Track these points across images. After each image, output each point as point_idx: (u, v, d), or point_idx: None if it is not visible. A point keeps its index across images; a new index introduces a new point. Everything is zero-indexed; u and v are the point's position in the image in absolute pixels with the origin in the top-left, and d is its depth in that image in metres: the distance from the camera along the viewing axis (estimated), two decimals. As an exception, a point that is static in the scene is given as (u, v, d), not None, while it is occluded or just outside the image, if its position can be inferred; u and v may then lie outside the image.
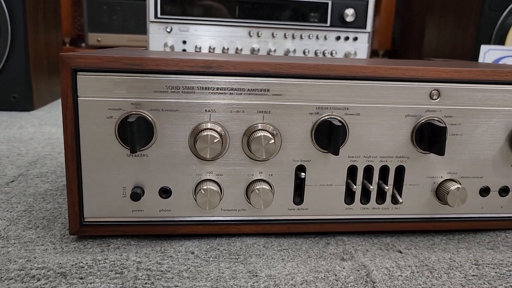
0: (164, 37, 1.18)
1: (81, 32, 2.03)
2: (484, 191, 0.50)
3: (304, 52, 1.24)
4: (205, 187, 0.44)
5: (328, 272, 0.42)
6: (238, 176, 0.46)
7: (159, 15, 1.16)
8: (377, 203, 0.49)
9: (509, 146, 0.49)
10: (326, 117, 0.45)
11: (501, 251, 0.48)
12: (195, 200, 0.45)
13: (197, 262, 0.43)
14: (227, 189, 0.46)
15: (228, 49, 1.20)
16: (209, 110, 0.44)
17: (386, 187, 0.48)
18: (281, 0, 1.20)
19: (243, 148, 0.45)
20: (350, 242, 0.49)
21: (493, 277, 0.42)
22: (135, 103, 0.43)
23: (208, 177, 0.46)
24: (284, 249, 0.46)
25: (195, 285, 0.39)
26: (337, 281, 0.41)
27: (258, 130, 0.44)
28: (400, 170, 0.48)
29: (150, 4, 1.15)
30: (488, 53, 1.15)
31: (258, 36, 1.22)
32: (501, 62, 1.13)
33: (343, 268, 0.43)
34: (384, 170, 0.48)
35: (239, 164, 0.46)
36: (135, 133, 0.41)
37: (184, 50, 1.19)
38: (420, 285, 0.41)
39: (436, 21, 1.56)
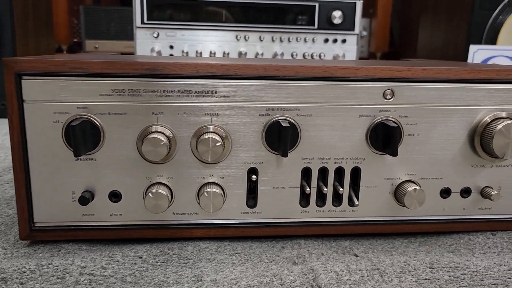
0: (151, 42, 1.19)
1: (78, 39, 2.04)
2: (445, 193, 0.49)
3: (292, 55, 1.23)
4: (153, 191, 0.44)
5: (274, 276, 0.41)
6: (189, 179, 0.45)
7: (145, 21, 1.17)
8: (333, 205, 0.48)
9: (470, 145, 0.48)
10: (276, 119, 0.44)
11: (461, 254, 0.47)
12: (144, 204, 0.44)
13: (143, 267, 0.42)
14: (178, 192, 0.46)
15: (215, 53, 1.20)
16: (156, 113, 0.44)
17: (341, 189, 0.47)
18: (268, 4, 1.20)
19: (192, 151, 0.45)
20: (307, 245, 0.48)
21: (446, 281, 0.41)
22: (81, 106, 0.43)
23: (158, 181, 0.45)
24: (236, 253, 0.46)
25: (136, 290, 0.39)
26: (282, 285, 0.40)
27: (206, 132, 0.44)
28: (356, 172, 0.47)
29: (136, 9, 1.16)
30: (477, 53, 1.13)
31: (246, 40, 1.21)
32: (490, 61, 1.11)
33: (291, 272, 0.42)
34: (340, 171, 0.47)
35: (190, 167, 0.45)
36: (78, 137, 0.41)
37: (171, 55, 1.19)
38: (369, 289, 0.40)
39: (429, 21, 1.54)
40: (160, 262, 0.43)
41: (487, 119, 0.47)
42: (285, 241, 0.49)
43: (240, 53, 1.21)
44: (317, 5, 1.21)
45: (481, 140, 0.47)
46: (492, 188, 0.49)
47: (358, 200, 0.48)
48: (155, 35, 1.18)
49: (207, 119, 0.44)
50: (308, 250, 0.47)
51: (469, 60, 1.14)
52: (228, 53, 1.20)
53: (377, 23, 2.04)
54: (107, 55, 0.64)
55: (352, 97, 0.45)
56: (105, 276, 0.40)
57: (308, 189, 0.46)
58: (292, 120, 0.45)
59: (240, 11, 1.20)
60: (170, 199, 0.45)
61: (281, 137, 0.43)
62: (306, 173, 0.47)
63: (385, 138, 0.45)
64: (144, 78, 0.43)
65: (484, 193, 0.49)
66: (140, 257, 0.44)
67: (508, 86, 0.47)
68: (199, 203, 0.45)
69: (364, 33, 2.03)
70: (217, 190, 0.44)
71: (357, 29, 1.23)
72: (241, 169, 0.46)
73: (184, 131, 0.44)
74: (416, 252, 0.47)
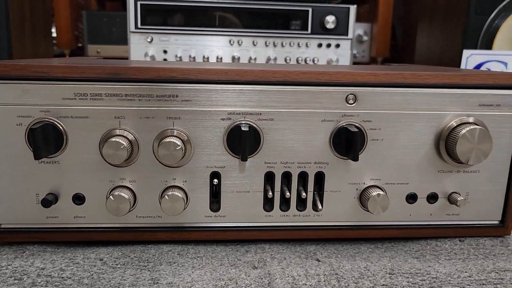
0: (145, 47, 1.20)
1: (81, 44, 2.07)
2: (411, 198, 0.49)
3: (285, 60, 1.23)
4: (115, 194, 0.44)
5: (230, 280, 0.41)
6: (152, 183, 0.46)
7: (139, 26, 1.18)
8: (297, 210, 0.48)
9: (436, 151, 0.48)
10: (237, 123, 0.45)
11: (426, 260, 0.46)
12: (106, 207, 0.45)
13: (102, 269, 0.43)
14: (142, 195, 0.46)
15: (208, 57, 1.20)
16: (118, 117, 0.44)
17: (304, 194, 0.47)
18: (261, 9, 1.20)
19: (155, 155, 0.45)
20: (271, 250, 0.48)
21: (403, 287, 0.41)
22: (44, 110, 0.43)
23: (121, 184, 0.46)
24: (198, 257, 0.46)
25: (91, 291, 0.39)
26: (236, 289, 0.40)
27: (167, 136, 0.44)
28: (320, 176, 0.47)
29: (130, 15, 1.17)
30: (471, 58, 1.12)
31: (239, 45, 1.22)
32: (484, 66, 1.10)
33: (249, 276, 0.42)
34: (304, 176, 0.47)
35: (153, 171, 0.45)
36: (38, 139, 0.42)
37: (165, 60, 1.20)
38: (323, 294, 0.40)
39: (427, 26, 1.53)
40: (120, 265, 0.44)
41: (453, 124, 0.47)
42: (250, 245, 0.49)
43: (233, 58, 1.21)
44: (310, 10, 1.21)
45: (446, 145, 0.47)
46: (459, 194, 0.49)
47: (322, 205, 0.48)
48: (149, 40, 1.19)
49: (169, 123, 0.45)
50: (271, 255, 0.47)
51: (462, 65, 1.13)
52: (221, 58, 1.21)
53: (378, 28, 2.03)
54: (79, 59, 0.65)
55: (314, 101, 0.45)
56: (63, 278, 0.41)
57: (270, 193, 0.46)
58: (253, 124, 0.45)
59: (234, 16, 1.21)
60: (132, 202, 0.45)
61: (241, 141, 0.44)
62: (270, 178, 0.47)
63: (347, 143, 0.45)
64: (105, 82, 0.43)
65: (451, 199, 0.49)
66: (101, 260, 0.44)
67: (473, 91, 0.46)
68: (160, 206, 0.45)
69: (365, 38, 2.02)
70: (178, 193, 0.45)
71: (350, 34, 1.23)
72: (204, 172, 0.46)
73: (146, 135, 0.45)
74: (380, 258, 0.47)
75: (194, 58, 1.20)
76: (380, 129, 0.46)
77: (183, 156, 0.44)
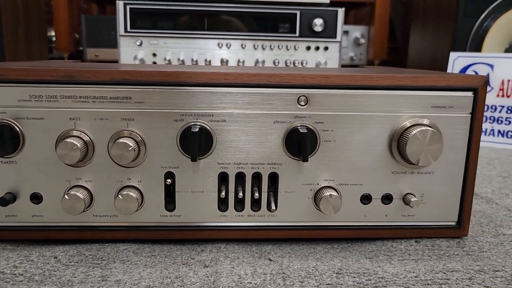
0: (135, 50, 1.21)
1: (80, 48, 2.10)
2: (365, 199, 0.49)
3: (274, 63, 1.24)
4: (71, 193, 0.45)
5: (177, 278, 0.42)
6: (108, 182, 0.47)
7: (129, 29, 1.20)
8: (252, 210, 0.49)
9: (389, 152, 0.48)
10: (189, 124, 0.46)
11: (379, 260, 0.47)
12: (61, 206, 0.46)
13: (55, 267, 0.44)
14: (98, 195, 0.47)
15: (197, 61, 1.22)
16: (73, 118, 0.45)
17: (256, 194, 0.47)
18: (249, 12, 1.21)
19: (110, 155, 0.46)
20: (226, 249, 0.49)
21: (348, 286, 0.41)
22: (0, 111, 0.45)
23: (77, 183, 0.47)
24: (153, 256, 0.47)
25: (40, 288, 0.40)
26: (181, 287, 0.41)
27: (121, 137, 0.45)
28: (274, 177, 0.48)
29: (120, 18, 1.19)
30: (457, 60, 1.12)
31: (228, 48, 1.23)
32: (470, 69, 1.10)
33: (196, 274, 0.43)
34: (258, 177, 0.48)
35: (108, 171, 0.46)
36: (-7, 140, 0.43)
37: (154, 63, 1.22)
38: (266, 292, 0.40)
39: (419, 29, 1.53)
40: (74, 263, 0.45)
41: (405, 125, 0.47)
42: (206, 244, 0.50)
43: (221, 61, 1.22)
44: (298, 13, 1.21)
45: (398, 146, 0.47)
46: (413, 195, 0.49)
47: (276, 205, 0.48)
48: (138, 43, 1.20)
49: (123, 124, 0.46)
50: (225, 254, 0.47)
51: (449, 68, 1.13)
52: (210, 61, 1.22)
53: (375, 31, 2.03)
54: (50, 62, 0.66)
55: (266, 103, 0.46)
56: (14, 274, 0.42)
57: (223, 193, 0.47)
58: (205, 126, 0.46)
59: (222, 20, 1.22)
60: (88, 201, 0.46)
61: (190, 142, 0.44)
62: (224, 178, 0.48)
63: (298, 144, 0.46)
64: (60, 85, 0.44)
65: (405, 200, 0.49)
66: (55, 257, 0.45)
67: (425, 93, 0.47)
68: (115, 206, 0.46)
69: (362, 40, 2.02)
70: (132, 193, 0.46)
71: (339, 37, 1.23)
72: (158, 173, 0.47)
73: (101, 136, 0.46)
74: (332, 258, 0.47)
75: (183, 61, 1.21)
76: (333, 131, 0.47)
77: (137, 157, 0.45)
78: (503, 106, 1.06)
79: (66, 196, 0.45)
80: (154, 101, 0.45)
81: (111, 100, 0.45)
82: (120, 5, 1.18)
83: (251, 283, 0.42)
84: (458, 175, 0.49)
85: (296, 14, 1.21)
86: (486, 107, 1.08)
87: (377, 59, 2.07)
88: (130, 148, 0.44)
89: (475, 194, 0.69)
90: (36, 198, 0.47)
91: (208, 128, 0.46)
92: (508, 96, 1.05)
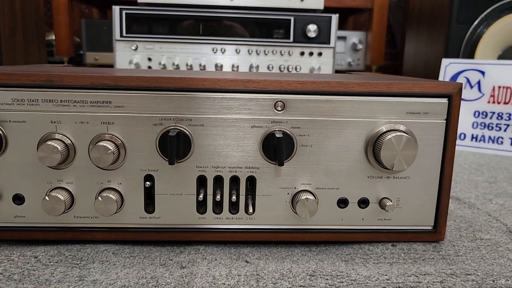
0: (130, 54, 1.23)
1: (80, 51, 2.12)
2: (342, 203, 0.50)
3: (268, 68, 1.25)
4: (52, 194, 0.46)
5: (152, 278, 0.43)
6: (89, 184, 0.48)
7: (124, 34, 1.21)
8: (230, 213, 0.49)
9: (365, 157, 0.49)
10: (168, 128, 0.47)
11: (355, 263, 0.48)
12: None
13: (35, 266, 0.45)
14: (79, 196, 0.48)
15: (191, 65, 1.23)
16: (55, 121, 0.46)
17: (234, 198, 0.48)
18: (244, 18, 1.23)
19: (90, 158, 0.47)
20: (205, 251, 0.49)
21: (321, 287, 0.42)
22: (-16, 114, 0.46)
23: (58, 185, 0.48)
24: (132, 256, 0.48)
25: (17, 286, 0.41)
26: (156, 286, 0.42)
27: (101, 140, 0.46)
28: (252, 181, 0.49)
29: (115, 23, 1.20)
30: (449, 67, 1.13)
31: (222, 53, 1.24)
32: (462, 75, 1.11)
33: (172, 275, 0.44)
34: (237, 180, 0.49)
35: (89, 173, 0.48)
36: (-25, 142, 0.44)
37: (149, 67, 1.23)
38: (238, 293, 0.41)
39: (414, 35, 1.54)
40: (53, 262, 0.46)
41: (380, 131, 0.48)
42: (186, 246, 0.50)
43: (216, 66, 1.24)
44: (292, 19, 1.23)
45: (373, 151, 0.48)
46: (389, 199, 0.50)
47: (254, 208, 0.49)
48: (134, 48, 1.22)
49: (103, 127, 0.47)
50: (203, 256, 0.48)
51: (441, 74, 1.14)
52: (204, 66, 1.23)
53: (373, 37, 2.05)
54: (39, 66, 0.67)
55: (243, 108, 0.47)
56: (-6, 273, 0.43)
57: (200, 196, 0.48)
58: (184, 130, 0.47)
59: (217, 25, 1.23)
60: (69, 203, 0.47)
61: (168, 146, 0.45)
62: (202, 181, 0.49)
63: (274, 148, 0.47)
64: (41, 89, 0.46)
65: (381, 204, 0.50)
66: (36, 257, 0.46)
67: (400, 99, 0.48)
68: (94, 207, 0.47)
69: (360, 46, 2.03)
70: (112, 195, 0.47)
71: (332, 43, 1.24)
72: (138, 175, 0.48)
73: (82, 139, 0.47)
74: (308, 260, 0.48)
75: (177, 66, 1.22)
76: (309, 136, 0.48)
77: (117, 160, 0.46)
78: (493, 113, 1.06)
79: (46, 197, 0.46)
80: (133, 105, 0.46)
81: (92, 104, 0.46)
82: (116, 10, 1.19)
83: (224, 284, 0.42)
84: (434, 180, 0.50)
85: (290, 20, 1.23)
86: (477, 113, 1.09)
87: (375, 64, 2.08)
88: (109, 151, 0.45)
89: (458, 199, 0.70)
90: (18, 199, 0.48)
91: (186, 132, 0.47)
92: (498, 103, 1.06)
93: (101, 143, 0.45)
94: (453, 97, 0.48)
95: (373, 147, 0.48)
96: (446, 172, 0.50)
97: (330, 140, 0.48)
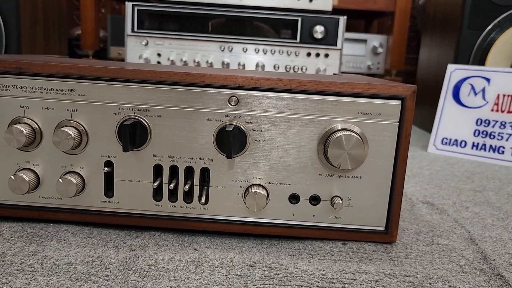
0: (141, 49, 1.27)
1: (104, 46, 2.19)
2: (293, 198, 0.51)
3: (274, 67, 1.27)
4: (18, 174, 0.50)
5: (98, 258, 0.45)
6: (54, 167, 0.51)
7: (136, 29, 1.25)
8: (185, 202, 0.51)
9: (317, 155, 0.50)
10: (127, 117, 0.49)
11: (300, 258, 0.49)
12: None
13: (-4, 240, 0.48)
14: (44, 178, 0.51)
15: (199, 62, 1.26)
16: (23, 106, 0.50)
17: (186, 187, 0.50)
18: (252, 17, 1.25)
19: (52, 142, 0.50)
20: (159, 237, 0.52)
21: (254, 278, 0.44)
22: (-39, 97, 0.50)
23: (26, 166, 0.51)
24: (89, 237, 0.51)
25: (-25, 257, 0.45)
26: (98, 265, 0.44)
27: (64, 126, 0.49)
28: (207, 172, 0.51)
29: (127, 19, 1.25)
30: (455, 73, 1.11)
31: (230, 51, 1.26)
32: (466, 82, 1.09)
33: (117, 256, 0.46)
34: (191, 170, 0.51)
35: (54, 156, 0.51)
36: None
37: (158, 63, 1.27)
38: (174, 277, 0.43)
39: (428, 40, 1.52)
40: (14, 238, 0.49)
41: (330, 129, 0.49)
42: (143, 231, 0.53)
43: (223, 63, 1.26)
44: (299, 19, 1.24)
45: (324, 149, 0.49)
46: (340, 198, 0.50)
47: (207, 199, 0.51)
48: (144, 43, 1.26)
49: (67, 114, 0.50)
50: (156, 241, 0.51)
51: (446, 80, 1.12)
52: (211, 63, 1.26)
53: (393, 40, 2.02)
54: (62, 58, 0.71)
55: (198, 101, 0.49)
56: (-43, 243, 0.47)
57: (155, 184, 0.50)
58: (141, 120, 0.49)
59: (225, 23, 1.26)
60: (34, 183, 0.50)
61: (123, 134, 0.48)
62: (159, 170, 0.51)
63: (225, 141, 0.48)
64: (11, 75, 0.49)
65: (332, 202, 0.51)
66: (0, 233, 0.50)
67: (352, 100, 0.48)
68: (56, 189, 0.50)
69: (380, 50, 2.01)
70: (72, 178, 0.50)
71: (339, 45, 1.25)
72: (99, 161, 0.51)
73: (48, 124, 0.50)
74: (255, 252, 0.49)
75: (185, 62, 1.25)
76: (262, 131, 0.49)
77: (78, 145, 0.49)
78: (496, 121, 1.04)
79: (12, 177, 0.49)
80: (95, 94, 0.49)
81: (57, 92, 0.49)
82: (128, 6, 1.24)
83: (164, 267, 0.44)
84: (386, 181, 0.50)
85: (297, 20, 1.24)
86: (479, 121, 1.07)
87: (395, 68, 2.05)
88: (70, 137, 0.48)
89: (432, 204, 0.69)
90: (-11, 177, 0.52)
91: (144, 122, 0.49)
92: (502, 111, 1.04)
93: (63, 129, 0.48)
94: (406, 100, 0.48)
95: (324, 145, 0.49)
96: (398, 174, 0.50)
97: (282, 136, 0.49)
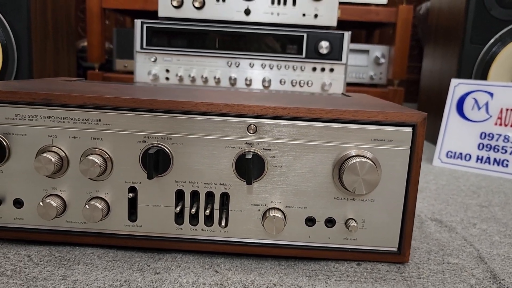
0: (149, 66, 1.29)
1: (111, 58, 2.22)
2: (310, 221, 0.53)
3: (280, 82, 1.29)
4: (46, 201, 0.52)
5: (126, 282, 0.48)
6: (79, 193, 0.53)
7: (144, 46, 1.28)
8: (205, 225, 0.54)
9: (332, 179, 0.52)
10: (150, 146, 0.51)
11: (317, 279, 0.51)
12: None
13: (26, 264, 0.50)
14: (71, 203, 0.54)
15: (206, 78, 1.28)
16: (51, 135, 0.52)
17: (207, 212, 0.52)
18: (258, 34, 1.27)
19: (79, 169, 0.52)
20: (181, 259, 0.54)
21: (275, 300, 0.46)
22: (-9, 127, 0.52)
23: (53, 192, 0.53)
24: (114, 260, 0.53)
25: (8, 282, 0.47)
26: (126, 289, 0.46)
27: (90, 154, 0.51)
28: (226, 196, 0.53)
29: (136, 36, 1.27)
30: (458, 87, 1.13)
31: (237, 66, 1.29)
32: (470, 96, 1.11)
33: (144, 280, 0.48)
34: (212, 195, 0.53)
35: (80, 183, 0.53)
36: (-19, 152, 0.50)
37: (167, 78, 1.30)
38: (199, 300, 0.45)
39: (431, 53, 1.54)
40: (44, 262, 0.51)
41: (345, 156, 0.51)
42: (165, 254, 0.55)
43: (230, 78, 1.29)
44: (305, 35, 1.26)
45: (338, 174, 0.51)
46: (354, 220, 0.53)
47: (227, 222, 0.53)
48: (153, 60, 1.29)
49: (93, 142, 0.52)
50: (178, 263, 0.53)
51: (450, 94, 1.14)
52: (219, 78, 1.29)
53: (395, 51, 2.05)
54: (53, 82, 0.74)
55: (218, 130, 0.51)
56: (-10, 268, 0.49)
57: (177, 208, 0.53)
58: (164, 147, 0.51)
59: (232, 40, 1.28)
60: (61, 208, 0.53)
61: (147, 162, 0.50)
62: (181, 195, 0.53)
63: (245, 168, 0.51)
64: (40, 106, 0.51)
65: (347, 225, 0.53)
66: (29, 256, 0.52)
67: (365, 127, 0.51)
68: (82, 214, 0.52)
69: (383, 60, 2.04)
70: (98, 204, 0.52)
71: (344, 59, 1.27)
72: (123, 187, 0.53)
73: (74, 152, 0.52)
74: (274, 274, 0.51)
75: (193, 78, 1.28)
76: (279, 157, 0.52)
77: (104, 172, 0.52)
78: (500, 135, 1.06)
79: (41, 203, 0.52)
80: (120, 123, 0.51)
81: (83, 122, 0.52)
82: (137, 24, 1.26)
83: (188, 291, 0.47)
84: (398, 204, 0.52)
85: (303, 36, 1.26)
86: (483, 135, 1.09)
87: (397, 78, 2.08)
88: (96, 165, 0.50)
89: (441, 222, 0.71)
90: (18, 203, 0.54)
91: (166, 149, 0.52)
92: (506, 125, 1.06)
93: (89, 157, 0.51)
94: (417, 127, 0.51)
95: (339, 170, 0.51)
96: (410, 196, 0.52)
97: (298, 162, 0.52)
